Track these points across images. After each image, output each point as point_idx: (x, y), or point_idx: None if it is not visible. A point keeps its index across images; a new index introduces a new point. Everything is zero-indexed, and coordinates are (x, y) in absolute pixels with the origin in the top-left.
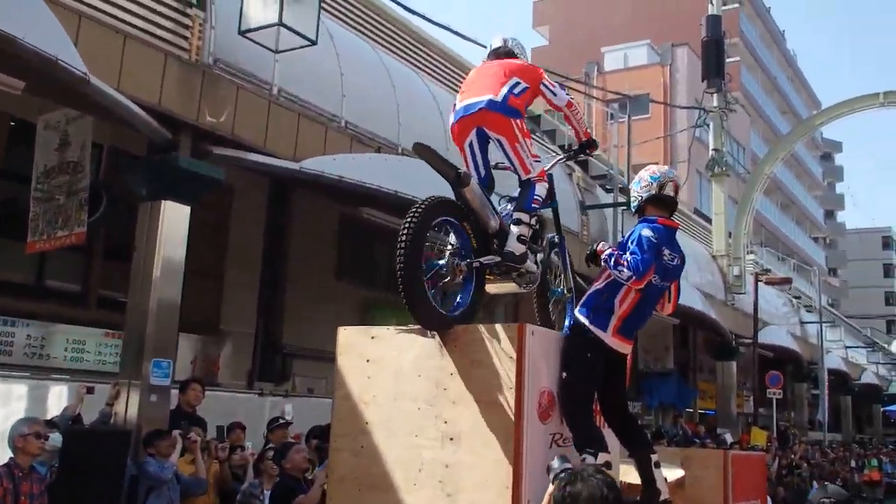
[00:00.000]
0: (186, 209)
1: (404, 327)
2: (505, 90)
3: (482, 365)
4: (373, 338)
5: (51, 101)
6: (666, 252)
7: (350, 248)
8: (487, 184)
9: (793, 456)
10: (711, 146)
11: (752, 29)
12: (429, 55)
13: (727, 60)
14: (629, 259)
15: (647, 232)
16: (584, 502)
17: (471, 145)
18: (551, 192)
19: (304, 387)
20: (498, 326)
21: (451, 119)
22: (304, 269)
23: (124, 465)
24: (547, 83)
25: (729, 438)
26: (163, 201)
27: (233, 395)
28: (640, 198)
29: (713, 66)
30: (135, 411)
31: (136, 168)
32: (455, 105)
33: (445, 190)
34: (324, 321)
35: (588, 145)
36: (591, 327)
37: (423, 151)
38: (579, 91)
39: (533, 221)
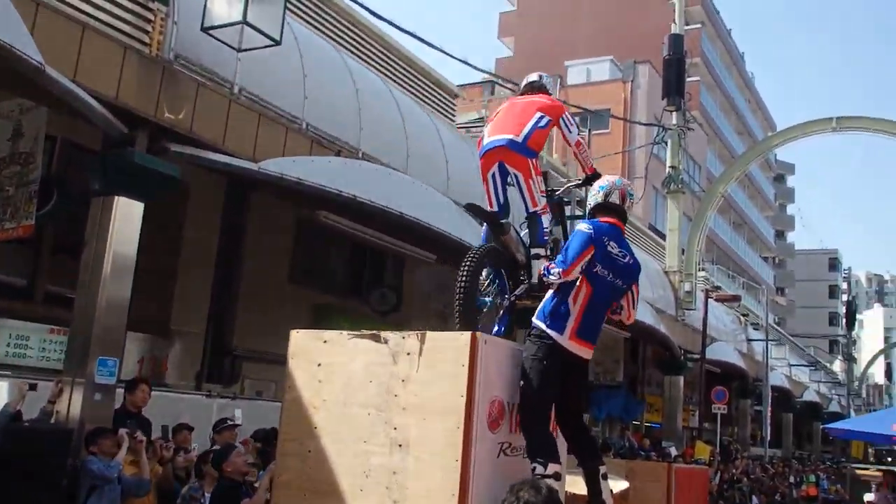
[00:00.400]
0: (140, 206)
1: (357, 332)
2: (527, 129)
3: (434, 372)
4: (325, 342)
5: (5, 90)
6: (612, 245)
7: (305, 252)
8: (504, 210)
9: (734, 470)
10: (668, 163)
11: (713, 50)
12: (394, 61)
13: (687, 79)
14: (556, 259)
15: (578, 227)
16: None
17: (493, 176)
18: (560, 214)
19: (253, 389)
20: (451, 335)
21: (479, 152)
22: (258, 271)
23: (65, 464)
24: (566, 119)
25: (673, 452)
26: (116, 197)
27: (180, 396)
28: (589, 206)
29: (674, 84)
30: (78, 410)
31: (90, 162)
32: (482, 139)
33: (405, 199)
34: (276, 324)
35: (592, 178)
36: (549, 331)
37: (472, 208)
38: None
39: (548, 251)
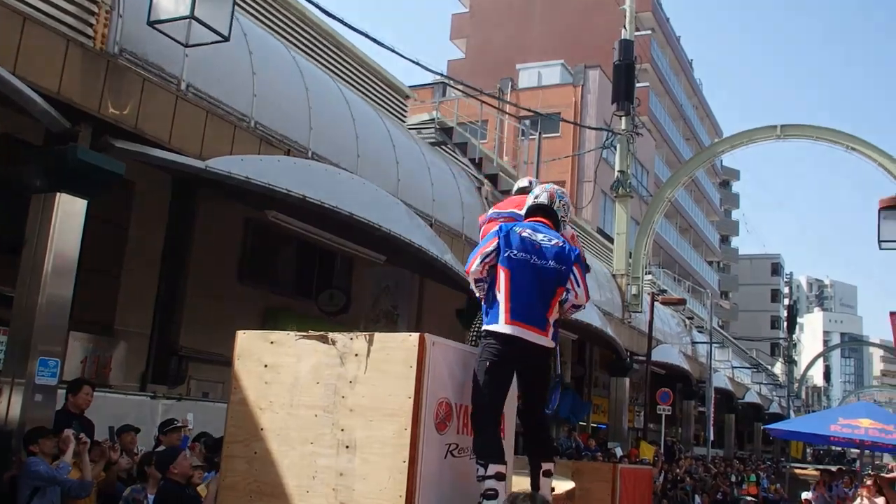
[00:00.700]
0: (83, 203)
1: (304, 333)
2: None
3: (381, 374)
4: (272, 343)
5: None
6: (530, 232)
7: (254, 252)
8: None
9: (678, 470)
10: (617, 167)
11: (662, 56)
12: (345, 61)
13: (637, 85)
14: None
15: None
16: None
17: None
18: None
19: (199, 390)
20: (398, 336)
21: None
22: (205, 271)
23: (4, 467)
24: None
25: (619, 452)
26: (58, 194)
27: (124, 397)
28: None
29: (623, 89)
30: (17, 411)
31: (32, 158)
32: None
33: (355, 199)
34: (223, 324)
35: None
36: (488, 326)
37: None
38: (493, 106)
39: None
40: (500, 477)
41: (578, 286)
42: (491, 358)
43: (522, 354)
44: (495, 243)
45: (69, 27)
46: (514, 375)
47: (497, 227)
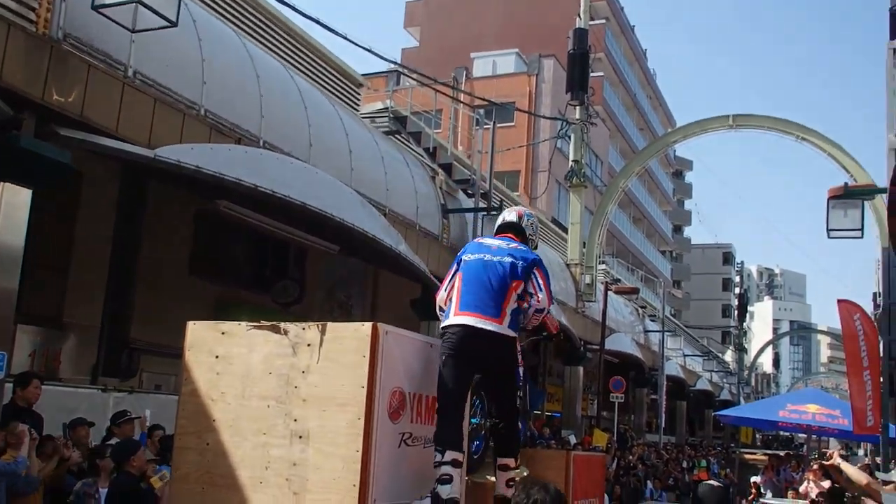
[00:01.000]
0: (28, 194)
1: (256, 323)
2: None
3: (334, 364)
4: (223, 333)
5: None
6: (486, 239)
7: (206, 243)
8: None
9: (630, 457)
10: (571, 157)
11: (617, 46)
12: (297, 48)
13: (591, 74)
14: None
15: None
16: None
17: None
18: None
19: (151, 383)
20: (352, 325)
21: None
22: (156, 263)
23: None
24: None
25: (573, 440)
26: (2, 184)
27: (75, 391)
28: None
29: (578, 78)
30: None
31: None
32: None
33: (308, 189)
34: (175, 316)
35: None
36: (442, 324)
37: None
38: (447, 95)
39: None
40: (455, 464)
41: (540, 290)
42: (446, 351)
43: (474, 343)
44: (455, 266)
45: (11, 11)
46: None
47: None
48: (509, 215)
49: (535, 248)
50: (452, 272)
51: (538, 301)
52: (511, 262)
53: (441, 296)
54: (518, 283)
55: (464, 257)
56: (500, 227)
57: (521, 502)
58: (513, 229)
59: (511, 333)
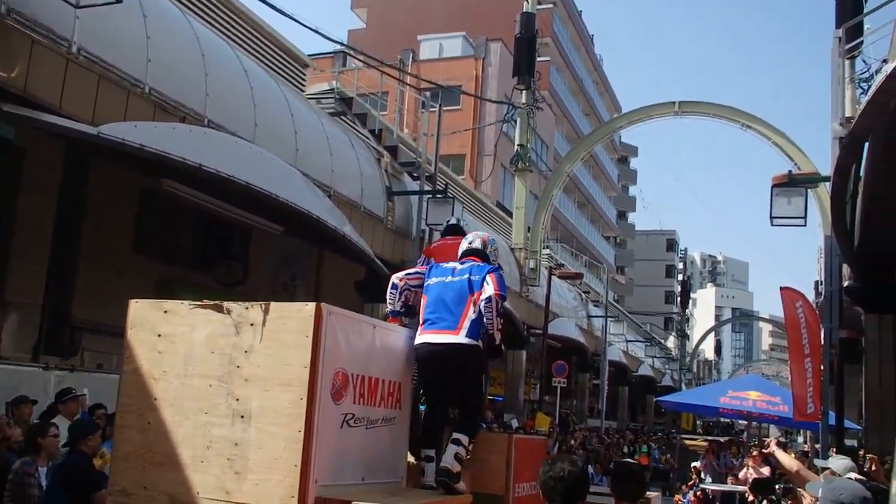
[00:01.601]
0: None
1: (198, 303)
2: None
3: (277, 344)
4: (165, 312)
5: None
6: (447, 263)
7: (150, 222)
8: None
9: (572, 441)
10: (517, 142)
11: (564, 31)
12: (242, 27)
13: (538, 59)
14: None
15: None
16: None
17: None
18: None
19: (93, 362)
20: (295, 305)
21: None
22: (99, 241)
23: None
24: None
25: (515, 423)
26: None
27: (16, 368)
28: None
29: (524, 63)
30: None
31: None
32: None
33: (252, 169)
34: (118, 295)
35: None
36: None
37: None
38: (393, 77)
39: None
40: (428, 459)
41: (488, 284)
42: (416, 366)
43: (433, 356)
44: (422, 272)
45: None
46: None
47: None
48: (476, 242)
49: None
50: (415, 275)
51: (485, 293)
52: (468, 279)
53: (399, 275)
54: (477, 294)
55: (428, 281)
56: (465, 251)
57: (554, 474)
58: (476, 254)
59: (468, 342)
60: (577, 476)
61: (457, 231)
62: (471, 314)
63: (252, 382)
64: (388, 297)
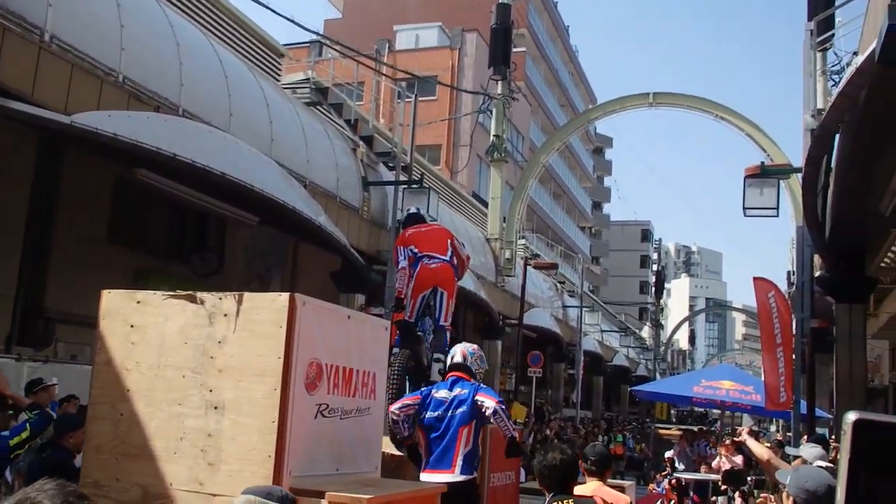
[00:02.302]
0: None
1: (171, 293)
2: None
3: (251, 334)
4: (138, 303)
5: None
6: (440, 391)
7: (125, 212)
8: (417, 323)
9: (547, 431)
10: (493, 132)
11: (539, 22)
12: (218, 17)
13: (514, 50)
14: None
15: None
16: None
17: (423, 297)
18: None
19: (67, 353)
20: (269, 296)
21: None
22: (73, 231)
23: None
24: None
25: None
26: None
27: None
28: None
29: (500, 53)
30: None
31: None
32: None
33: (227, 159)
34: (92, 286)
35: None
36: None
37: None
38: (369, 67)
39: (445, 359)
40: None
41: (484, 402)
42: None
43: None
44: (417, 401)
45: None
46: None
47: (420, 391)
48: (457, 357)
49: (481, 378)
50: (411, 406)
51: (487, 411)
52: (461, 413)
53: (395, 409)
54: (469, 426)
55: (424, 415)
56: (449, 366)
57: (548, 463)
58: (459, 369)
59: (462, 478)
60: (568, 463)
61: (418, 220)
62: (462, 449)
63: (225, 373)
64: (393, 431)
